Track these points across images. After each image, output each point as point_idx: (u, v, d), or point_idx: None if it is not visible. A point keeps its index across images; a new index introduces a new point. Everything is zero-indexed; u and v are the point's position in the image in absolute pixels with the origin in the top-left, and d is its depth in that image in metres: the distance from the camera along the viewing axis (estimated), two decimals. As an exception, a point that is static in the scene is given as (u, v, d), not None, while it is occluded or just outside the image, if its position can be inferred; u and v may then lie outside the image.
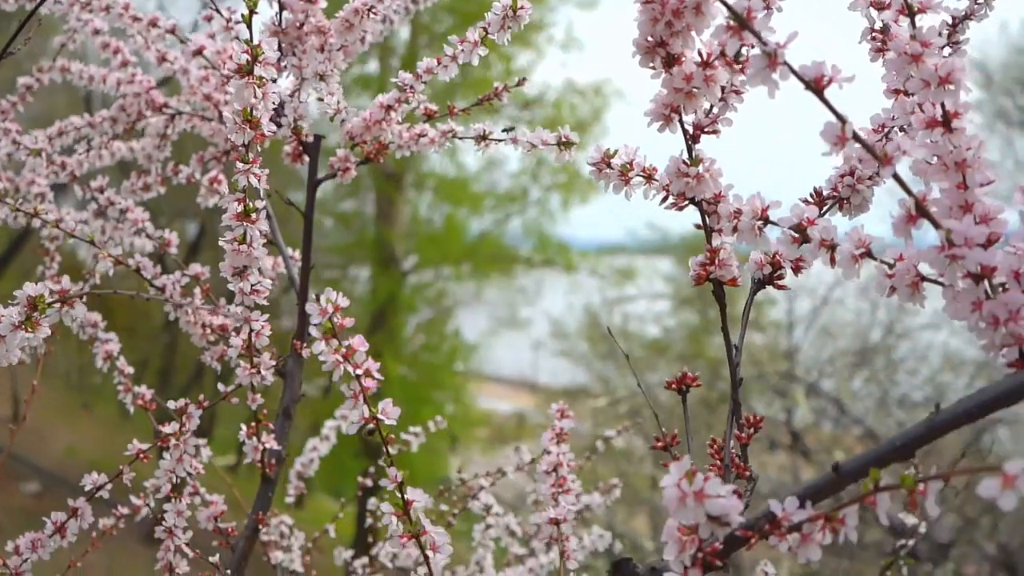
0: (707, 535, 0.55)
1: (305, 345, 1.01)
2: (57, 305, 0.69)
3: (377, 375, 0.67)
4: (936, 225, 0.54)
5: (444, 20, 10.53)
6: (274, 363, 0.96)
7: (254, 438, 1.01)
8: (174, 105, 1.26)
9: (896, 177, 0.54)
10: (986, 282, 0.56)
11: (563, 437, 1.04)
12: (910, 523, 1.15)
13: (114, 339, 1.17)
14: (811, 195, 0.73)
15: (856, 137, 0.53)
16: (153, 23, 1.16)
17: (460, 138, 1.02)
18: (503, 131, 0.99)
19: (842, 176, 0.72)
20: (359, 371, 0.66)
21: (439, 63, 0.97)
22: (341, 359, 0.66)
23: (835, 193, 0.73)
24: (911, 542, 1.14)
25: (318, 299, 0.65)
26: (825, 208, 0.73)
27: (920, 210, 0.55)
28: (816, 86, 0.54)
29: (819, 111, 0.57)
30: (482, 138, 1.00)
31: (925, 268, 0.58)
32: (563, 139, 0.90)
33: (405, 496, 0.69)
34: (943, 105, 0.57)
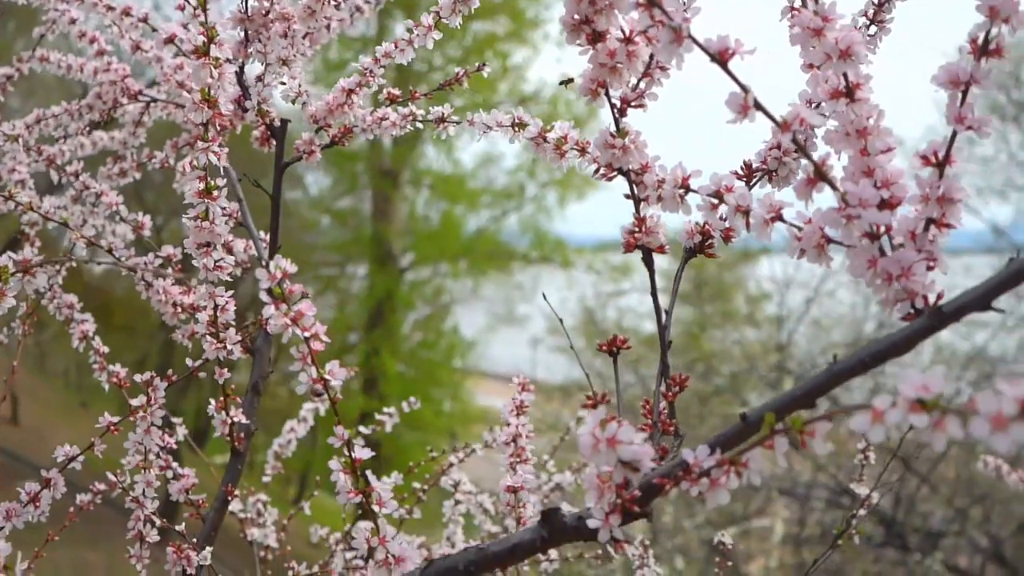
0: (619, 479, 0.58)
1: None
2: (20, 275, 0.72)
3: (325, 338, 0.70)
4: (834, 188, 0.58)
5: (439, 17, 10.54)
6: (240, 338, 0.99)
7: (222, 412, 1.05)
8: (148, 93, 1.30)
9: (796, 143, 0.58)
10: (886, 241, 0.60)
11: (523, 410, 1.08)
12: (861, 493, 1.19)
13: (89, 319, 1.20)
14: (741, 168, 0.77)
15: (757, 106, 0.57)
16: (126, 12, 1.19)
17: (421, 121, 1.06)
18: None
19: (770, 149, 0.76)
20: (308, 334, 0.70)
21: (396, 47, 1.00)
22: (290, 322, 0.69)
23: (763, 165, 0.76)
24: (862, 512, 1.17)
25: (267, 266, 0.68)
26: (754, 180, 0.76)
27: (819, 174, 0.58)
28: (720, 58, 0.57)
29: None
30: (440, 120, 1.04)
31: (832, 231, 0.62)
32: (517, 121, 0.93)
33: (353, 454, 0.73)
34: (845, 76, 0.60)
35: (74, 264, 1.03)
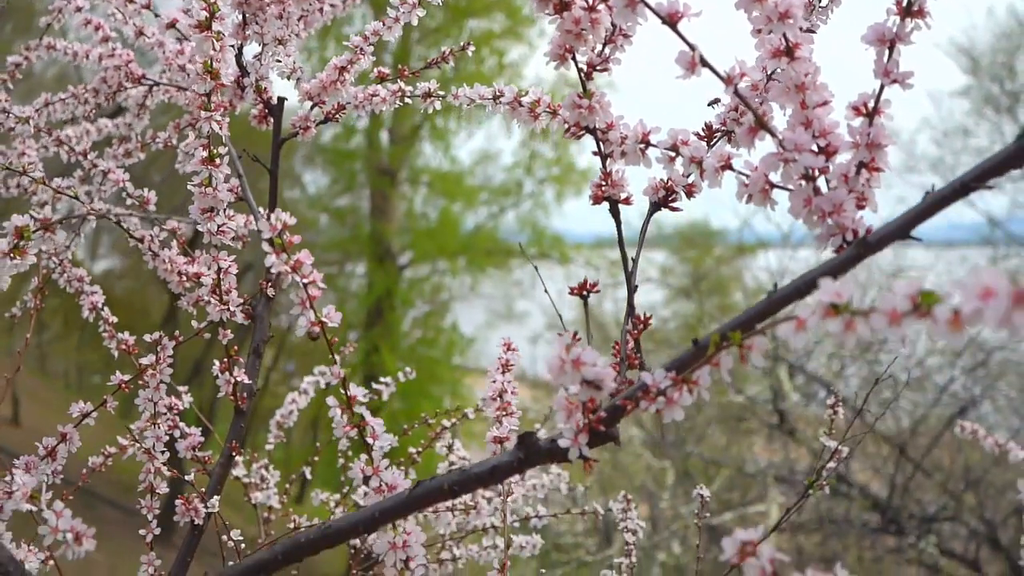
0: (585, 398, 0.65)
1: (270, 286, 1.11)
2: (41, 232, 0.79)
3: (321, 284, 0.77)
4: (772, 135, 0.65)
5: (436, 16, 10.64)
6: (242, 300, 1.06)
7: (227, 373, 1.12)
8: (151, 76, 1.37)
9: (738, 94, 0.65)
10: (823, 184, 0.66)
11: (508, 367, 1.15)
12: (830, 445, 1.25)
13: (98, 291, 1.27)
14: (703, 128, 0.83)
15: (703, 62, 0.64)
16: (129, -1, 1.26)
17: (409, 97, 1.12)
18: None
19: (729, 111, 0.83)
20: (306, 280, 0.76)
21: (384, 24, 1.07)
22: (290, 270, 0.76)
23: (723, 127, 0.83)
24: (832, 464, 1.24)
25: (269, 217, 0.75)
26: (715, 140, 0.83)
27: (759, 123, 0.65)
28: (671, 20, 0.64)
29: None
30: (427, 95, 1.11)
31: (775, 177, 0.68)
32: (496, 93, 1.00)
33: (348, 392, 0.80)
34: (785, 37, 0.67)
35: (83, 235, 1.09)
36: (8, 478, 0.80)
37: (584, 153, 11.92)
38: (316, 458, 1.62)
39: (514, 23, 11.63)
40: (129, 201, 1.26)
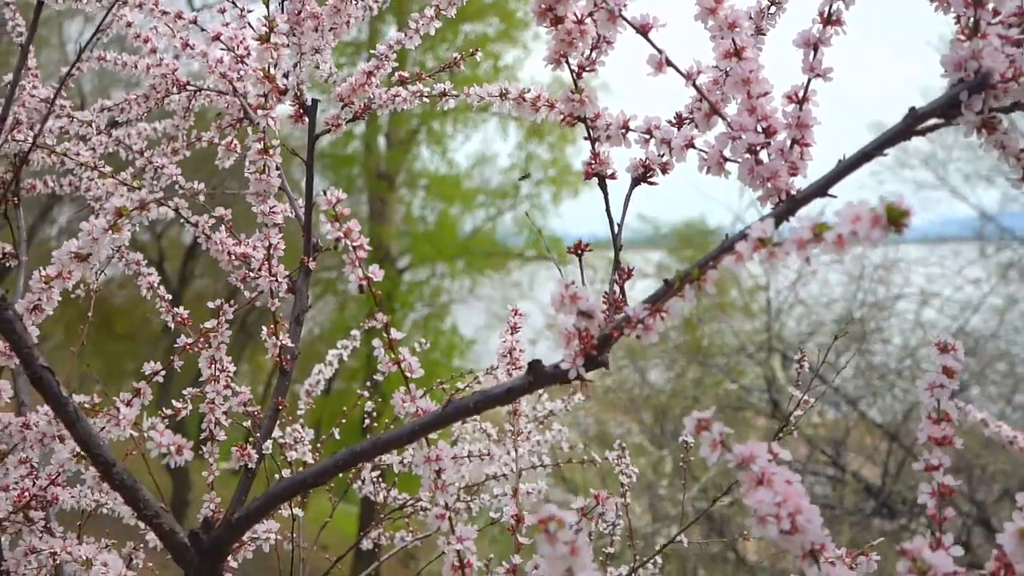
0: (581, 327, 0.83)
1: (312, 260, 1.29)
2: (137, 211, 0.97)
3: (367, 247, 0.95)
4: (723, 118, 0.83)
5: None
6: (288, 273, 1.24)
7: (273, 337, 1.29)
8: (194, 83, 1.55)
9: (696, 87, 0.83)
10: (765, 157, 0.84)
11: (516, 329, 1.33)
12: (797, 394, 1.43)
13: (154, 273, 1.45)
14: (674, 116, 1.01)
15: (669, 63, 0.82)
16: (179, 16, 1.43)
17: (426, 97, 1.31)
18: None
19: (694, 102, 1.00)
20: (355, 244, 0.94)
21: (405, 35, 1.26)
22: (342, 235, 0.94)
23: (691, 115, 1.01)
24: (798, 413, 1.42)
25: (324, 192, 0.93)
26: (684, 125, 1.01)
27: (713, 110, 0.83)
28: (643, 30, 0.82)
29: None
30: (443, 95, 1.29)
31: (728, 153, 0.86)
32: (503, 91, 1.18)
33: (391, 336, 0.98)
34: (734, 41, 0.85)
35: (166, 208, 1.27)
36: (113, 411, 0.98)
37: (581, 155, 12.10)
38: (343, 420, 1.80)
39: (508, 27, 11.83)
40: (180, 192, 1.44)
